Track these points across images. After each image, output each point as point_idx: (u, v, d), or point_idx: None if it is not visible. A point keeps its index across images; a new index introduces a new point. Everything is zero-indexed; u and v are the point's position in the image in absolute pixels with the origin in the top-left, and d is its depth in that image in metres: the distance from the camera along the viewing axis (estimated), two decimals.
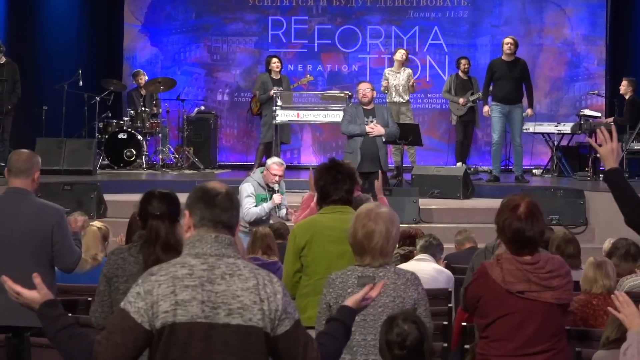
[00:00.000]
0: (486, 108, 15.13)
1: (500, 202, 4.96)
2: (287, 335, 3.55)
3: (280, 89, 15.17)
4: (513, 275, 4.71)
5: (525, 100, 14.81)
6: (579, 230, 12.50)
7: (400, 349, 4.25)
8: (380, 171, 11.57)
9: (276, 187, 10.42)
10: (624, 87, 15.58)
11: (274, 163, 10.54)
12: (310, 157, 18.19)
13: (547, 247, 8.31)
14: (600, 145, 4.97)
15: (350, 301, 3.94)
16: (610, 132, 5.00)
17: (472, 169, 16.74)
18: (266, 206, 10.37)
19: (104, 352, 3.51)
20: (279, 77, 15.65)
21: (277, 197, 10.41)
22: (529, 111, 14.67)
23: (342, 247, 5.55)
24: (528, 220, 4.72)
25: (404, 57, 15.79)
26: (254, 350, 3.50)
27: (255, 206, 10.39)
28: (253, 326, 3.49)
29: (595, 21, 18.31)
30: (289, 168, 17.01)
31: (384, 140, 11.84)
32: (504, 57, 14.88)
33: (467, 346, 5.63)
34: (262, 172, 10.56)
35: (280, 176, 10.45)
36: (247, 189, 10.47)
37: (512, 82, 14.67)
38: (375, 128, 11.68)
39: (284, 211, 10.66)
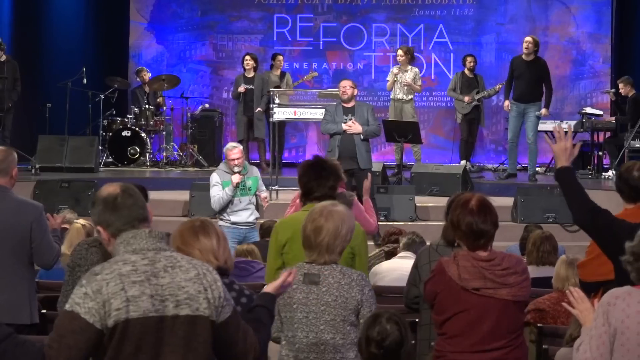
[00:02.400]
0: (506, 103, 15.02)
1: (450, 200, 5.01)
2: (229, 322, 3.63)
3: (250, 86, 15.46)
4: (469, 272, 4.73)
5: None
6: (575, 228, 12.42)
7: (377, 348, 4.25)
8: (369, 173, 11.56)
9: (236, 169, 10.45)
10: (623, 89, 15.57)
11: (228, 149, 10.62)
12: None
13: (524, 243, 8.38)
14: (554, 143, 5.03)
15: (270, 287, 4.09)
16: (566, 132, 5.05)
17: (475, 167, 16.74)
18: (227, 189, 10.42)
19: (56, 356, 3.47)
20: (251, 75, 15.77)
21: (235, 177, 10.42)
22: (543, 111, 14.59)
23: None
24: (480, 213, 4.75)
25: (399, 56, 15.67)
26: (201, 340, 3.56)
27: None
28: (200, 315, 3.55)
29: (601, 19, 18.24)
30: (293, 166, 17.20)
31: (362, 137, 11.77)
32: (523, 56, 14.82)
33: (433, 343, 5.63)
34: (225, 162, 10.65)
35: (238, 159, 10.44)
36: (213, 179, 10.59)
37: (529, 81, 14.59)
38: (352, 126, 11.64)
39: (263, 194, 10.77)
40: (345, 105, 11.79)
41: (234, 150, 10.52)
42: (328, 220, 4.83)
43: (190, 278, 3.56)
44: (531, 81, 14.58)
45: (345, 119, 11.67)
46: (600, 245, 5.03)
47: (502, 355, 4.75)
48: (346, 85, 11.84)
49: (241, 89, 15.51)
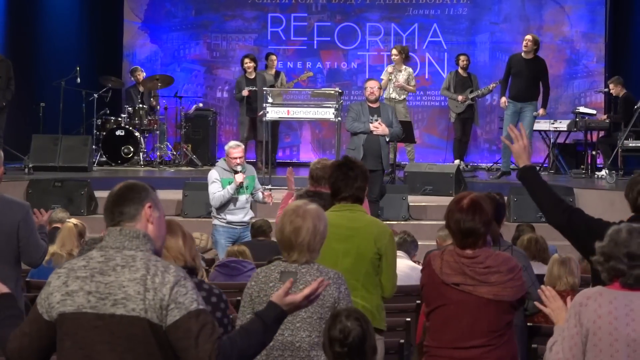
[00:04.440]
0: (503, 99, 15.00)
1: None
2: (176, 326, 3.51)
3: (254, 88, 15.48)
4: (450, 267, 4.78)
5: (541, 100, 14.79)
6: None
7: (341, 347, 4.24)
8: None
9: (239, 168, 10.47)
10: (614, 89, 15.61)
11: (231, 147, 10.62)
12: (309, 154, 18.22)
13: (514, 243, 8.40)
14: (512, 144, 5.05)
15: (274, 296, 3.86)
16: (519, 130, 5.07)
17: (469, 166, 16.75)
18: (230, 188, 10.43)
19: (13, 340, 3.66)
20: (253, 76, 15.77)
21: (238, 177, 10.44)
22: (540, 111, 14.59)
23: (348, 245, 5.67)
24: (469, 212, 4.79)
25: (393, 55, 15.66)
26: (140, 341, 3.52)
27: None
28: (136, 316, 3.51)
29: (595, 18, 18.28)
30: (287, 165, 17.18)
31: (387, 139, 11.83)
32: (522, 54, 14.82)
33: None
34: (225, 159, 10.66)
35: (240, 158, 10.49)
36: (212, 175, 10.59)
37: (526, 80, 14.58)
38: (379, 127, 11.67)
39: (259, 195, 10.73)
40: (371, 105, 11.85)
41: (237, 149, 10.55)
42: (306, 220, 4.82)
43: (134, 278, 3.53)
44: (529, 80, 14.57)
45: (372, 119, 11.71)
46: (576, 245, 4.99)
47: (482, 353, 4.76)
48: (374, 87, 11.92)
49: (245, 92, 15.47)
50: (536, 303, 4.49)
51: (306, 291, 3.84)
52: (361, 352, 4.26)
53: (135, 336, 3.51)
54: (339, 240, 5.66)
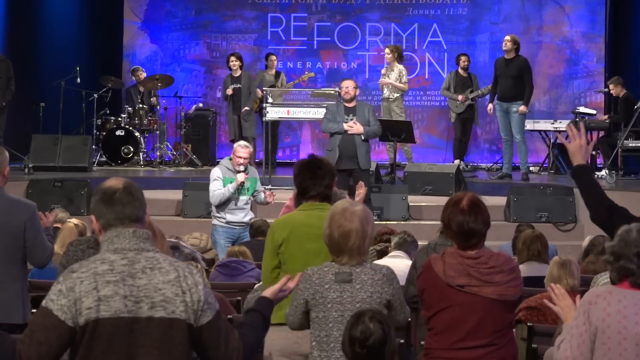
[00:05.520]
0: (490, 106, 15.05)
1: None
2: (210, 326, 3.60)
3: (238, 85, 15.46)
4: (454, 269, 4.75)
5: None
6: (568, 228, 12.50)
7: (361, 347, 4.24)
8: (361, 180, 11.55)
9: (241, 168, 10.50)
10: (614, 89, 15.61)
11: (239, 146, 10.68)
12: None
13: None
14: (569, 142, 5.04)
15: (268, 292, 4.04)
16: (578, 129, 5.06)
17: (469, 166, 16.74)
18: (230, 187, 10.48)
19: (27, 351, 3.50)
20: (238, 74, 15.73)
21: (240, 176, 10.48)
22: (521, 107, 14.53)
23: (319, 245, 5.53)
24: (471, 213, 4.77)
25: (386, 54, 15.59)
26: (177, 343, 3.54)
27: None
28: (176, 318, 3.54)
29: (595, 18, 18.29)
30: (287, 165, 17.23)
31: (362, 138, 11.79)
32: (504, 55, 14.84)
33: (423, 342, 5.64)
34: (230, 158, 10.69)
35: (245, 158, 10.55)
36: (214, 173, 10.65)
37: (508, 79, 14.57)
38: (353, 126, 11.65)
39: (261, 195, 10.76)
40: (346, 105, 11.83)
41: (245, 149, 10.63)
42: (353, 222, 4.83)
43: (168, 280, 3.56)
44: (512, 79, 14.54)
45: (347, 119, 11.70)
46: None
47: (486, 353, 4.76)
48: (349, 86, 11.87)
49: (229, 91, 15.50)
50: (545, 301, 4.49)
51: (291, 285, 4.09)
52: (380, 355, 4.26)
53: (173, 338, 3.54)
54: (310, 240, 5.60)
